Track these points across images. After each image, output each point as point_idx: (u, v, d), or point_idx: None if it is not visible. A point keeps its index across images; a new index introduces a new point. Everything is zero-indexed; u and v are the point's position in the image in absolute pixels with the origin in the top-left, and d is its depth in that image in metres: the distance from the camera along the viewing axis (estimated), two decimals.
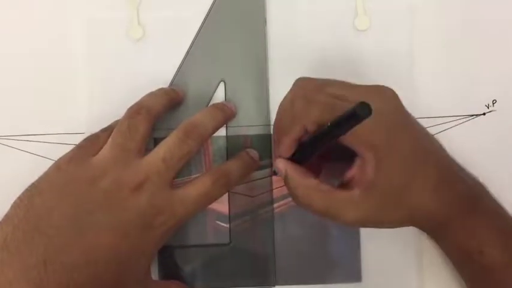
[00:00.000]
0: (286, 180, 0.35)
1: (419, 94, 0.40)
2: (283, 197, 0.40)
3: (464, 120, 0.40)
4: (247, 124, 0.40)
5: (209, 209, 0.39)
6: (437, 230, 0.35)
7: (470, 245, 0.34)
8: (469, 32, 0.40)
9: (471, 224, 0.34)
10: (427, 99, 0.39)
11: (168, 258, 0.40)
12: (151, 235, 0.34)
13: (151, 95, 0.38)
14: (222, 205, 0.40)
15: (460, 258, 0.36)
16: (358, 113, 0.27)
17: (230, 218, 0.40)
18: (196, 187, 0.35)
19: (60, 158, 0.35)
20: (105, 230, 0.32)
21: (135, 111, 0.36)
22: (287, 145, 0.34)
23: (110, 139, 0.35)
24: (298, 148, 0.34)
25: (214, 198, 0.36)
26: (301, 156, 0.35)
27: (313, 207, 0.33)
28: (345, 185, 0.34)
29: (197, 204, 0.35)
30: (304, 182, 0.34)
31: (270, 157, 0.40)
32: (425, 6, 0.41)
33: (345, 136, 0.31)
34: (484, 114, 0.40)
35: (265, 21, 0.40)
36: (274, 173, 0.40)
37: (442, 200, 0.33)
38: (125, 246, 0.33)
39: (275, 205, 0.40)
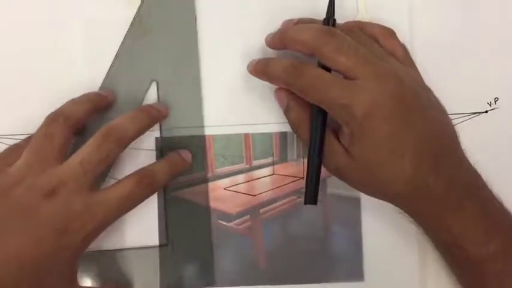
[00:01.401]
0: (286, 112, 0.37)
1: None
2: (285, 196, 0.40)
3: (467, 118, 0.40)
4: (181, 125, 0.40)
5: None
6: (414, 217, 0.36)
7: (447, 239, 0.35)
8: (470, 30, 0.40)
9: (448, 221, 0.34)
10: None
11: (105, 263, 0.39)
12: (69, 240, 0.33)
13: (71, 101, 0.37)
14: (224, 204, 0.40)
15: (439, 247, 0.37)
16: None
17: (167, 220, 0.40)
18: (118, 189, 0.35)
19: None
20: (17, 237, 0.32)
21: (52, 118, 0.36)
22: None
23: (27, 147, 0.35)
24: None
25: (139, 199, 0.36)
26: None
27: (305, 139, 0.36)
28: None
29: (119, 206, 0.35)
30: (304, 113, 0.36)
31: (272, 155, 0.40)
32: (426, 4, 0.40)
33: (330, 112, 0.34)
34: (486, 112, 0.40)
35: (195, 18, 0.40)
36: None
37: (416, 194, 0.34)
38: (39, 253, 0.32)
39: (277, 204, 0.40)
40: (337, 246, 0.40)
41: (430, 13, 0.40)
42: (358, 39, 0.35)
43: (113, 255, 0.39)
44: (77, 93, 0.38)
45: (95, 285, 0.39)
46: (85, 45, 0.40)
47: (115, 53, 0.40)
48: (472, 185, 0.35)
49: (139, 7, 0.40)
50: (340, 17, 0.38)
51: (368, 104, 0.33)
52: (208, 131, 0.40)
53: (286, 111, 0.38)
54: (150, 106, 0.39)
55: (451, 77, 0.40)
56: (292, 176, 0.40)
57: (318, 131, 0.35)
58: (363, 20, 0.39)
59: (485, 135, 0.40)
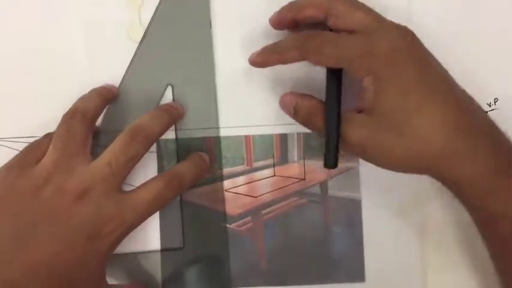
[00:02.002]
0: (296, 112, 0.36)
1: None
2: (286, 197, 0.40)
3: None
4: (196, 127, 0.40)
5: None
6: (450, 184, 0.33)
7: (494, 209, 0.32)
8: (470, 31, 0.40)
9: (498, 185, 0.31)
10: None
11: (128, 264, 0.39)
12: (100, 244, 0.33)
13: (83, 98, 0.37)
14: (226, 206, 0.40)
15: (481, 220, 0.34)
16: None
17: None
18: (148, 190, 0.34)
19: (1, 168, 0.35)
20: (47, 243, 0.32)
21: (70, 116, 0.35)
22: None
23: (50, 145, 0.34)
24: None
25: (167, 201, 0.35)
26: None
27: (320, 127, 0.34)
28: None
29: (149, 207, 0.34)
30: (310, 103, 0.35)
31: (273, 157, 0.40)
32: (425, 4, 0.40)
33: (350, 67, 0.32)
34: (486, 112, 0.40)
35: (210, 24, 0.40)
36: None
37: (457, 147, 0.31)
38: (70, 258, 0.32)
39: (278, 205, 0.40)
40: (338, 247, 0.40)
41: (429, 14, 0.40)
42: None
43: (123, 258, 0.40)
44: (78, 94, 0.38)
45: None
46: (86, 46, 0.40)
47: (116, 54, 0.40)
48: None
49: (155, 10, 0.40)
50: None
51: (390, 48, 0.32)
52: (205, 133, 0.40)
53: (296, 112, 0.36)
54: (169, 105, 0.39)
55: None
56: (293, 178, 0.40)
57: (334, 94, 0.34)
58: None
59: None
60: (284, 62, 0.34)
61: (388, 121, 0.32)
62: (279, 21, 0.36)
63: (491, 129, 0.33)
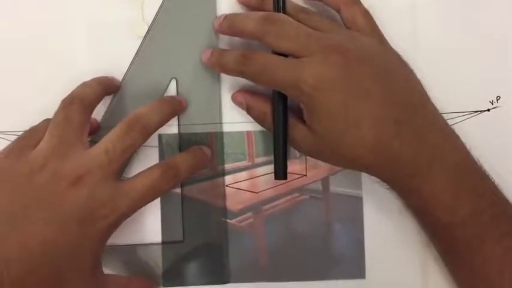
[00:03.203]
0: (248, 110, 0.38)
1: None
2: (288, 193, 0.40)
3: (469, 116, 0.40)
4: (199, 122, 0.40)
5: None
6: (385, 183, 0.36)
7: (417, 205, 0.36)
8: (472, 28, 0.40)
9: (416, 187, 0.34)
10: (431, 96, 0.39)
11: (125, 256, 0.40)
12: (93, 230, 0.33)
13: (83, 85, 0.37)
14: (227, 201, 0.40)
15: (411, 211, 0.38)
16: None
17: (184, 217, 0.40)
18: (143, 179, 0.34)
19: None
20: (41, 224, 0.32)
21: (69, 102, 0.35)
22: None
23: (47, 131, 0.35)
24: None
25: (162, 191, 0.35)
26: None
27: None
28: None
29: (144, 196, 0.34)
30: (265, 107, 0.37)
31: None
32: (428, 3, 0.41)
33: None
34: (488, 110, 0.40)
35: (216, 17, 0.40)
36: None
37: (381, 161, 0.34)
38: (63, 241, 0.32)
39: (279, 201, 0.40)
40: (339, 244, 0.40)
41: (433, 11, 0.41)
42: (307, 16, 0.37)
43: (122, 249, 0.40)
44: None
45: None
46: (89, 42, 0.40)
47: (119, 50, 0.40)
48: (443, 148, 0.35)
49: (160, 6, 0.40)
50: None
51: (314, 77, 0.33)
52: (208, 129, 0.40)
53: (248, 111, 0.39)
54: (172, 97, 0.39)
55: (453, 75, 0.40)
56: (294, 174, 0.40)
57: (280, 112, 0.36)
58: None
59: (487, 134, 0.40)
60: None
61: (323, 139, 0.35)
62: (222, 33, 0.39)
63: (420, 132, 0.35)
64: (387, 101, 0.34)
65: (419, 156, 0.34)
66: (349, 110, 0.33)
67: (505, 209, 0.35)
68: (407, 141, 0.34)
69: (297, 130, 0.36)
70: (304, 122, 0.36)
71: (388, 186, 0.36)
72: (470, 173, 0.35)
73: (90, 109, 0.36)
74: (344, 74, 0.34)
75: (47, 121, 0.36)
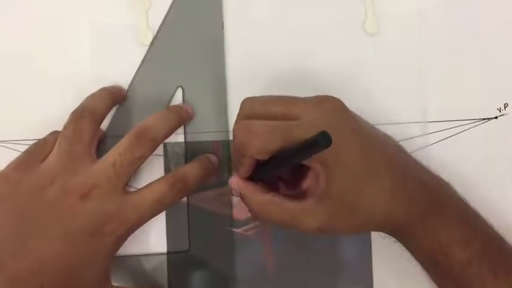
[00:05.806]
0: (242, 199, 0.34)
1: (430, 98, 0.40)
2: None
3: (476, 124, 0.40)
4: (205, 130, 0.40)
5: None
6: (398, 234, 0.35)
7: (432, 247, 0.34)
8: (479, 35, 0.40)
9: (432, 226, 0.33)
10: (438, 103, 0.39)
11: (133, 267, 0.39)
12: (102, 243, 0.33)
13: (93, 97, 0.37)
14: (233, 209, 0.40)
15: (425, 259, 0.36)
16: (319, 142, 0.26)
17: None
18: (151, 191, 0.34)
19: (8, 166, 0.35)
20: (51, 239, 0.32)
21: (79, 115, 0.35)
22: (244, 169, 0.33)
23: (56, 145, 0.35)
24: (257, 168, 0.33)
25: (171, 203, 0.35)
26: (260, 175, 0.34)
27: (272, 220, 0.33)
28: (301, 196, 0.33)
29: (152, 209, 0.34)
30: (258, 198, 0.33)
31: None
32: (435, 9, 0.40)
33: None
34: (496, 117, 0.40)
35: (223, 26, 0.40)
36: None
37: (398, 205, 0.33)
38: (73, 255, 0.32)
39: None
40: (347, 253, 0.39)
41: (439, 18, 0.40)
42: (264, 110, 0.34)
43: (126, 260, 0.39)
44: (83, 98, 0.38)
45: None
46: (92, 49, 0.40)
47: (123, 57, 0.40)
48: (445, 190, 0.35)
49: (166, 14, 0.40)
50: (348, 24, 0.39)
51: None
52: (214, 137, 0.40)
53: (242, 200, 0.35)
54: (178, 106, 0.39)
55: (460, 83, 0.40)
56: None
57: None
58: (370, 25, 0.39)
59: (494, 141, 0.40)
60: None
61: (338, 202, 0.32)
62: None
63: (421, 174, 0.35)
64: (387, 146, 0.34)
65: (430, 196, 0.34)
66: (365, 159, 0.32)
67: (499, 240, 0.35)
68: (417, 181, 0.33)
69: (303, 209, 0.32)
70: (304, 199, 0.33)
71: (395, 240, 0.35)
72: (470, 211, 0.35)
73: (100, 122, 0.36)
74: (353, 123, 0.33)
75: (55, 133, 0.36)
